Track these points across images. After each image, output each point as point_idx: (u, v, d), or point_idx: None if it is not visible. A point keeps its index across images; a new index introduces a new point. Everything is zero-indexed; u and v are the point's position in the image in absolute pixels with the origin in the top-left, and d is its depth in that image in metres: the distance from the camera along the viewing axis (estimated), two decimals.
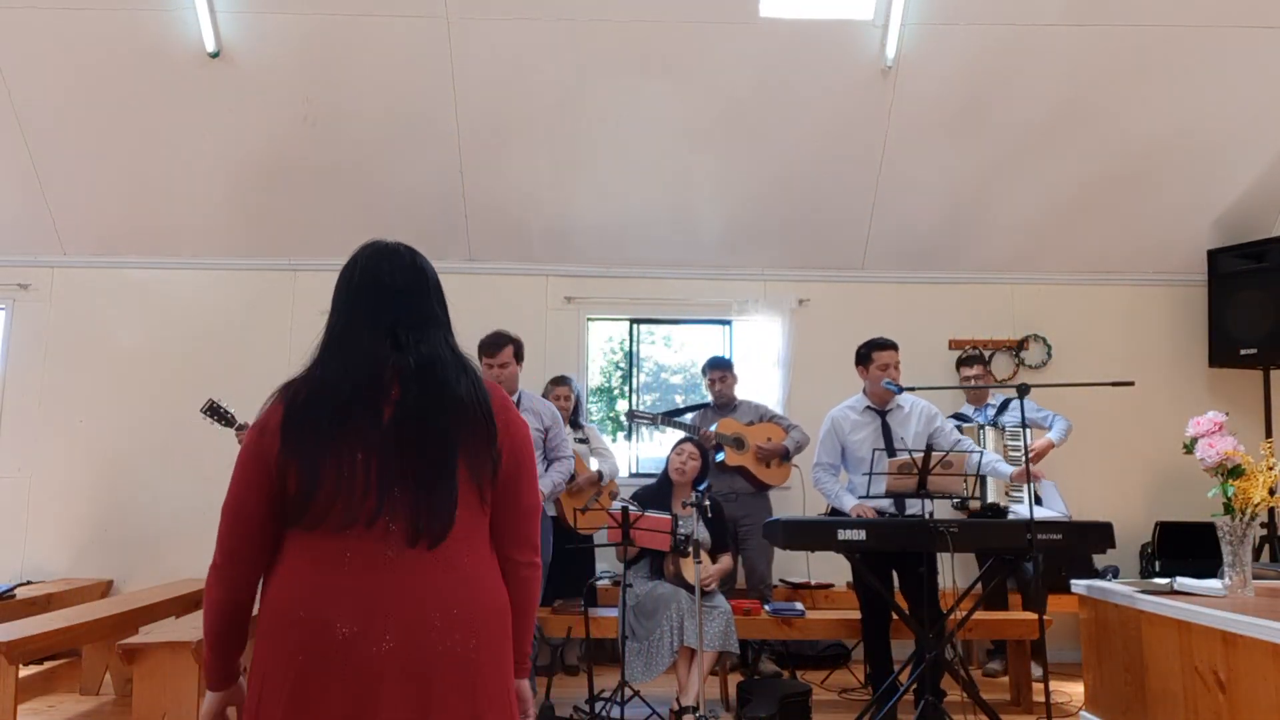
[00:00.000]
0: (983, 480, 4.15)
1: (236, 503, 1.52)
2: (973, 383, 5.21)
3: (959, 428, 4.96)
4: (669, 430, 5.33)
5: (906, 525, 3.75)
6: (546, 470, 4.20)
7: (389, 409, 1.51)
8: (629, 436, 6.03)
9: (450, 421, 1.53)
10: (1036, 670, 4.58)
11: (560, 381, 5.11)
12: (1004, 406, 5.15)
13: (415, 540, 1.47)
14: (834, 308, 5.91)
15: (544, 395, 5.04)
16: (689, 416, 5.31)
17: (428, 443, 1.51)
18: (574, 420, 5.14)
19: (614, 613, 4.13)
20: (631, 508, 3.88)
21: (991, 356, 5.79)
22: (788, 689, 4.06)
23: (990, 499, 4.74)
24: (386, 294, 1.61)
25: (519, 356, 4.20)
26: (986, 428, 5.07)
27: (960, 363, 5.49)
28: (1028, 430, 4.31)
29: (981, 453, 4.12)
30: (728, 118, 5.34)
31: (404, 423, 1.51)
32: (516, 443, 1.62)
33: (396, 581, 1.45)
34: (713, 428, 5.04)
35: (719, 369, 5.22)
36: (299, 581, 1.46)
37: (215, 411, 4.17)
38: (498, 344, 4.12)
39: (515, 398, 4.21)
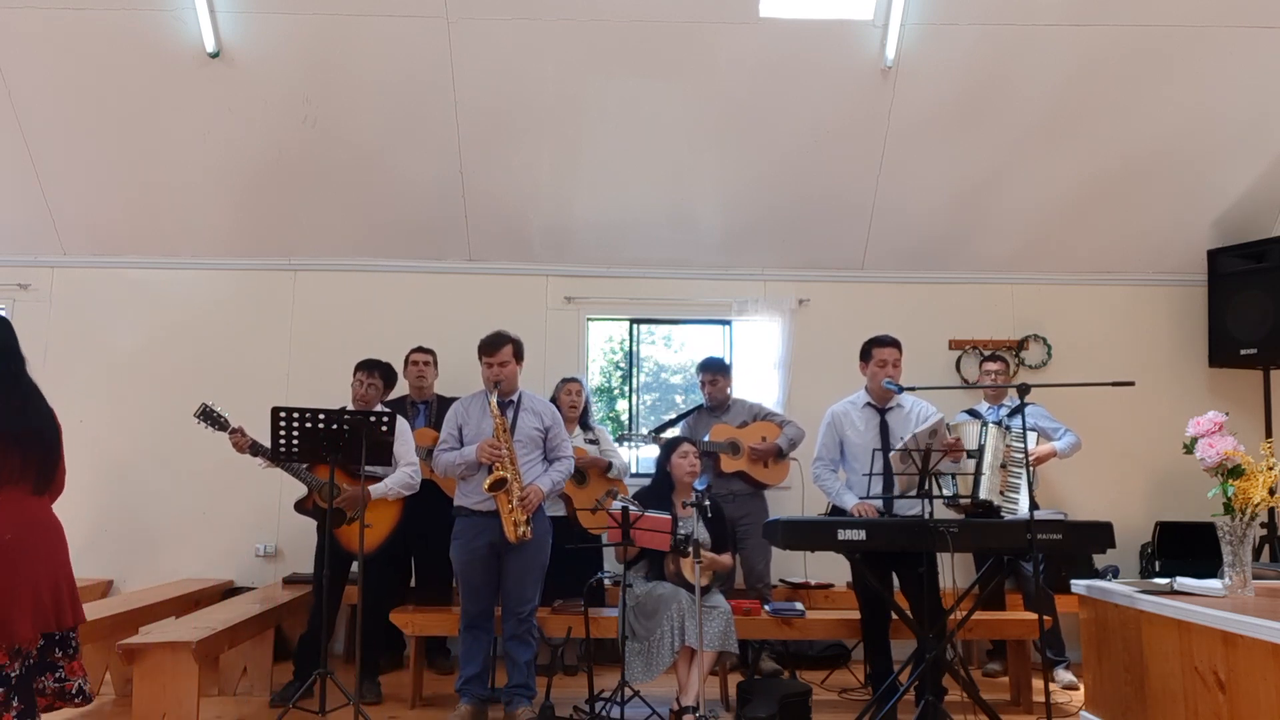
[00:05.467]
0: (977, 477, 4.13)
1: None
2: (993, 378, 5.20)
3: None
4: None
5: (906, 525, 3.74)
6: (546, 470, 4.17)
7: (28, 420, 2.78)
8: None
9: (52, 427, 2.86)
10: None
11: (571, 379, 5.12)
12: (1019, 409, 5.13)
13: (35, 491, 2.76)
14: (834, 308, 5.91)
15: (554, 394, 5.03)
16: (682, 424, 5.29)
17: (45, 437, 2.82)
18: (584, 421, 5.13)
19: (614, 613, 4.13)
20: (632, 508, 3.87)
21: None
22: (788, 689, 4.06)
23: (984, 496, 4.73)
24: (5, 351, 2.86)
25: (519, 356, 4.16)
26: (990, 424, 5.06)
27: (984, 359, 5.50)
28: (1033, 435, 4.28)
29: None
30: (728, 118, 5.33)
31: (34, 428, 2.79)
32: (61, 438, 2.89)
33: (31, 511, 2.74)
34: (705, 437, 5.02)
35: (709, 371, 5.18)
36: None
37: (209, 416, 4.14)
38: (496, 344, 4.08)
39: (515, 397, 4.16)
